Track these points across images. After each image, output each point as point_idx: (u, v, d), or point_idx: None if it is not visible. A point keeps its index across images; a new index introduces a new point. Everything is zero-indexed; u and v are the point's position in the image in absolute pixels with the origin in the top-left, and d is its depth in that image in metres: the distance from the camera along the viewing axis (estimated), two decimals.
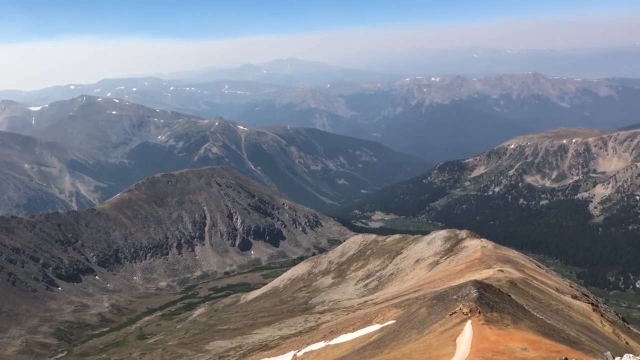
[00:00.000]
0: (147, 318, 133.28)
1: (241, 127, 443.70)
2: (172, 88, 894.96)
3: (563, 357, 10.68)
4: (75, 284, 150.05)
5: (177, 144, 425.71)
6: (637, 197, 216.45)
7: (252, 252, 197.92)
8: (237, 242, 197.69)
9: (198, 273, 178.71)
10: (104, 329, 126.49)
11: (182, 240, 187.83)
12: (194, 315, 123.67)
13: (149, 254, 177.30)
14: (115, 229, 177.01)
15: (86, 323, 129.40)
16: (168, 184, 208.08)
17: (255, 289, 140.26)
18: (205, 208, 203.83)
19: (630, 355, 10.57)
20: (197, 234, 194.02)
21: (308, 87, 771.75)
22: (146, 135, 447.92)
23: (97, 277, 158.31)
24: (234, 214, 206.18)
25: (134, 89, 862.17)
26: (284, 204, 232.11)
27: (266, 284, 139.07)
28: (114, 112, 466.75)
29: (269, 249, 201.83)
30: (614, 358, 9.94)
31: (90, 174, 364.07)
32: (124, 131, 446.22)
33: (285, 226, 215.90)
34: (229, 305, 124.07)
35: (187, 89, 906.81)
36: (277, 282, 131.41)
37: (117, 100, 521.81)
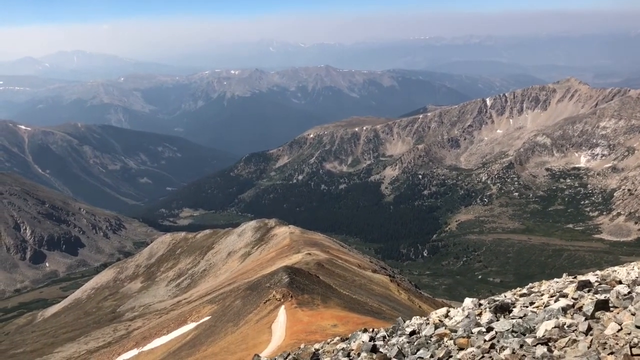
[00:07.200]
0: None
1: (23, 127, 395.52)
2: None
3: (362, 329, 11.76)
4: None
5: None
6: (420, 176, 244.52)
7: (47, 264, 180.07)
8: (28, 255, 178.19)
9: None
10: None
11: None
12: None
13: None
14: None
15: None
16: None
17: (54, 304, 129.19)
18: None
19: (417, 317, 12.15)
20: None
21: (99, 82, 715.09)
22: None
23: None
24: (21, 225, 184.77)
25: None
26: (80, 208, 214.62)
27: (66, 297, 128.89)
28: None
29: (66, 259, 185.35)
30: (404, 322, 11.43)
31: None
32: None
33: (83, 232, 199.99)
34: (23, 326, 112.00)
35: None
36: (79, 293, 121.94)
37: None
